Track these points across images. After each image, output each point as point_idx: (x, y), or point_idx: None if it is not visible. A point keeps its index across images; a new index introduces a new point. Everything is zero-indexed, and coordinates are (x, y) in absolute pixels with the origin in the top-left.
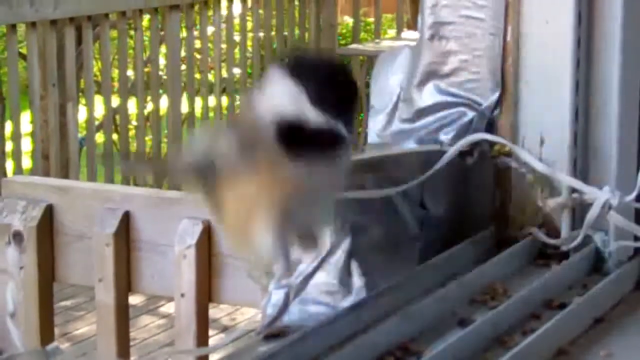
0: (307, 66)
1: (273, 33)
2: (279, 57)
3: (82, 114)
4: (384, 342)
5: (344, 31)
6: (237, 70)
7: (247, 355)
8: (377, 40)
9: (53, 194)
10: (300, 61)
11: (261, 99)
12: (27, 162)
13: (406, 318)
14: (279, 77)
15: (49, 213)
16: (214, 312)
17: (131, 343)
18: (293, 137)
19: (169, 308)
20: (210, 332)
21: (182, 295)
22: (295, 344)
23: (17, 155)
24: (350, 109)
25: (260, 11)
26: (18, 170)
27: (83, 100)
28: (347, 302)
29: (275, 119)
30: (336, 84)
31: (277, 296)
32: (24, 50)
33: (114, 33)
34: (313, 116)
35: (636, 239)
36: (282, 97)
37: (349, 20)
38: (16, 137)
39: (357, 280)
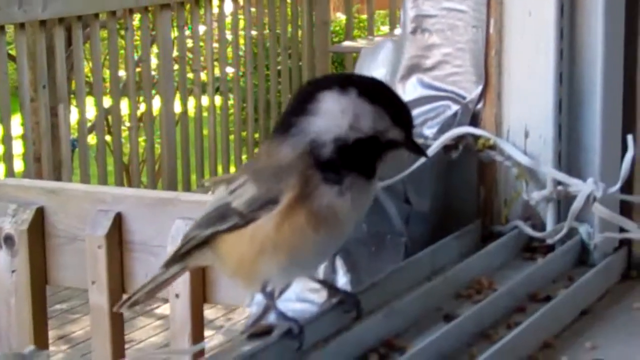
0: (375, 88)
1: (266, 31)
2: (311, 83)
3: (73, 115)
4: (369, 339)
5: (337, 28)
6: (230, 69)
7: (230, 354)
8: (370, 37)
9: (44, 196)
10: (364, 83)
11: (301, 126)
12: (19, 165)
13: (391, 314)
14: (340, 99)
15: (40, 216)
16: (209, 312)
17: (127, 345)
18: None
19: (164, 309)
20: (206, 333)
21: (177, 295)
22: (279, 342)
23: (8, 158)
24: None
25: (252, 9)
26: (10, 173)
27: (74, 102)
28: (332, 300)
29: (313, 145)
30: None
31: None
32: (13, 52)
33: (105, 33)
34: (396, 134)
35: (621, 230)
36: (336, 117)
37: (341, 17)
38: (7, 139)
39: (342, 277)
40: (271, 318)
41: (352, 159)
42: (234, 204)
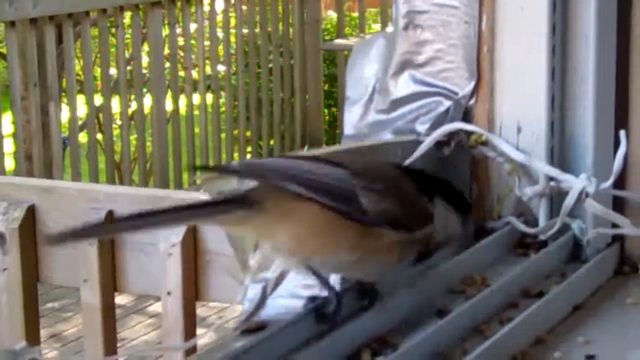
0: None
1: (257, 29)
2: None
3: (64, 113)
4: (361, 335)
5: (328, 26)
6: (221, 67)
7: (223, 351)
8: (361, 35)
9: (35, 194)
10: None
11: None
12: (9, 163)
13: (383, 310)
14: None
15: (31, 214)
16: (202, 310)
17: (119, 343)
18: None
19: (157, 307)
20: (199, 331)
21: (169, 293)
22: (272, 338)
23: None
24: None
25: (244, 7)
26: (1, 171)
27: (65, 100)
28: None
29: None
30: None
31: (254, 291)
32: (3, 50)
33: (95, 31)
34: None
35: (614, 226)
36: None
37: (333, 15)
38: None
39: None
40: (263, 314)
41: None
42: (362, 200)
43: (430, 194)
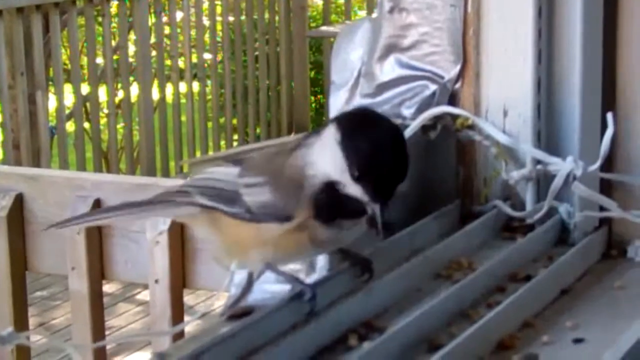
0: (362, 137)
1: (243, 17)
2: (341, 114)
3: (51, 102)
4: (348, 319)
5: (314, 13)
6: (207, 56)
7: (209, 336)
8: (347, 22)
9: (23, 182)
10: (356, 129)
11: (311, 153)
12: None
13: (370, 294)
14: (331, 140)
15: (19, 202)
16: (190, 298)
17: (108, 331)
18: (327, 205)
19: (145, 295)
20: (187, 319)
21: (157, 281)
22: (258, 323)
23: None
24: (391, 186)
25: None
26: None
27: (52, 89)
28: (310, 280)
29: (319, 184)
30: (387, 167)
31: (240, 276)
32: None
33: (82, 20)
34: (355, 193)
35: (601, 209)
36: (327, 158)
37: (319, 2)
38: None
39: (321, 258)
40: (250, 300)
41: (338, 204)
42: (246, 197)
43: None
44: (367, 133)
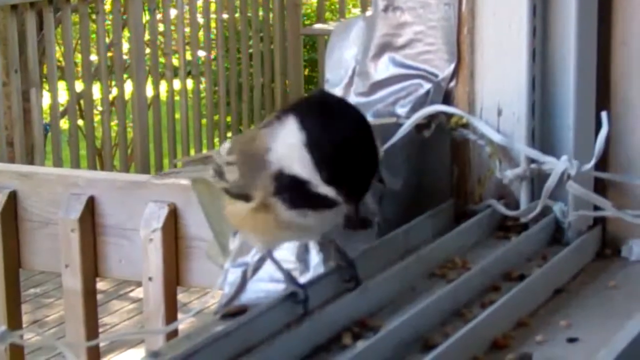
0: (329, 138)
1: (237, 14)
2: (301, 99)
3: (45, 99)
4: (342, 318)
5: (308, 11)
6: (201, 53)
7: (202, 334)
8: (342, 20)
9: (17, 180)
10: (317, 114)
11: (273, 139)
12: None
13: (364, 293)
14: (292, 126)
15: (13, 199)
16: (184, 296)
17: (101, 329)
18: (291, 192)
19: (138, 293)
20: (180, 316)
21: (150, 279)
22: (252, 322)
23: None
24: (364, 184)
25: None
26: None
27: (46, 86)
28: (304, 279)
29: (277, 170)
30: (360, 167)
31: (234, 275)
32: None
33: (76, 17)
34: (327, 193)
35: (595, 208)
36: (289, 151)
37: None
38: None
39: (315, 256)
40: (244, 298)
41: (299, 194)
42: (227, 175)
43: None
44: (333, 132)
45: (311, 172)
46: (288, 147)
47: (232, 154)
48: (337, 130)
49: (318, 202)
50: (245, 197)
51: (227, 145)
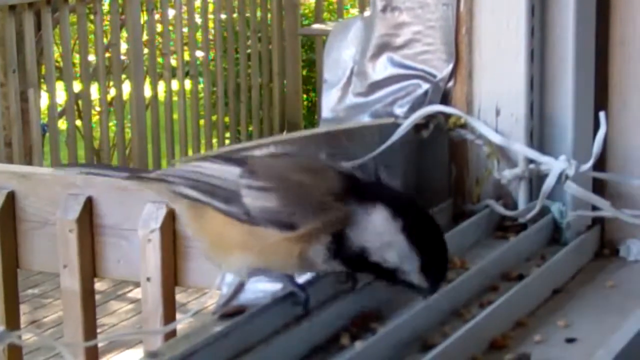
0: (425, 232)
1: (235, 14)
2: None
3: (43, 100)
4: (340, 318)
5: (306, 11)
6: (199, 53)
7: (201, 335)
8: (340, 20)
9: (15, 180)
10: (414, 219)
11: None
12: None
13: (362, 293)
14: (382, 210)
15: (11, 200)
16: (182, 296)
17: (99, 329)
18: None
19: (137, 293)
20: (179, 317)
21: (148, 279)
22: (250, 322)
23: None
24: (445, 277)
25: None
26: None
27: (44, 86)
28: (302, 279)
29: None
30: (446, 262)
31: (232, 275)
32: None
33: (74, 18)
34: (415, 281)
35: (594, 208)
36: (385, 245)
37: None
38: None
39: None
40: (242, 298)
41: (359, 267)
42: (246, 199)
43: (367, 200)
44: (427, 227)
45: (406, 259)
46: (380, 234)
47: (259, 180)
48: (431, 228)
49: (377, 273)
50: (287, 226)
51: (231, 168)
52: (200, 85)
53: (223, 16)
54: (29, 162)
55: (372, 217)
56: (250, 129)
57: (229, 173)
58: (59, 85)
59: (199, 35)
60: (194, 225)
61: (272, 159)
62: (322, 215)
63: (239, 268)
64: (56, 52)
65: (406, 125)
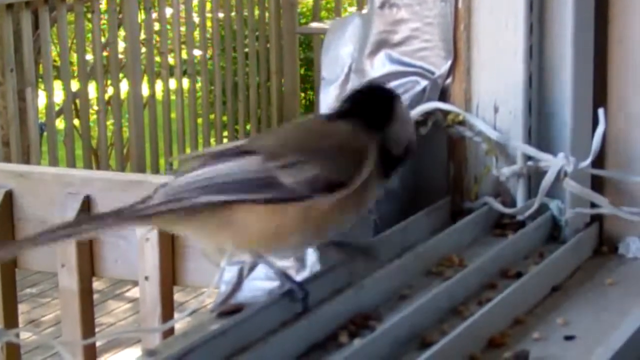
0: None
1: (232, 13)
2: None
3: (41, 99)
4: (339, 316)
5: (304, 10)
6: (197, 52)
7: (199, 333)
8: (337, 18)
9: (12, 179)
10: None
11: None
12: None
13: (361, 291)
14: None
15: (9, 199)
16: (180, 295)
17: (98, 328)
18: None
19: (135, 292)
20: (177, 316)
21: (146, 278)
22: (249, 320)
23: None
24: None
25: None
26: None
27: (42, 86)
28: (301, 277)
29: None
30: None
31: (230, 273)
32: None
33: (71, 17)
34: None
35: (592, 205)
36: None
37: None
38: None
39: (311, 255)
40: (240, 297)
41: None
42: (285, 180)
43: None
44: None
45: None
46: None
47: (287, 156)
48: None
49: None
50: (337, 184)
51: (246, 160)
52: (198, 84)
53: (221, 15)
54: (27, 161)
55: (399, 113)
56: (248, 127)
57: (247, 164)
58: (57, 84)
59: (196, 34)
60: (224, 234)
61: (275, 136)
62: (359, 155)
63: (295, 249)
64: (54, 51)
65: None
